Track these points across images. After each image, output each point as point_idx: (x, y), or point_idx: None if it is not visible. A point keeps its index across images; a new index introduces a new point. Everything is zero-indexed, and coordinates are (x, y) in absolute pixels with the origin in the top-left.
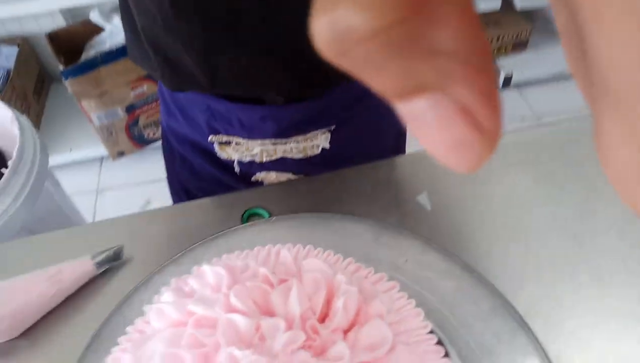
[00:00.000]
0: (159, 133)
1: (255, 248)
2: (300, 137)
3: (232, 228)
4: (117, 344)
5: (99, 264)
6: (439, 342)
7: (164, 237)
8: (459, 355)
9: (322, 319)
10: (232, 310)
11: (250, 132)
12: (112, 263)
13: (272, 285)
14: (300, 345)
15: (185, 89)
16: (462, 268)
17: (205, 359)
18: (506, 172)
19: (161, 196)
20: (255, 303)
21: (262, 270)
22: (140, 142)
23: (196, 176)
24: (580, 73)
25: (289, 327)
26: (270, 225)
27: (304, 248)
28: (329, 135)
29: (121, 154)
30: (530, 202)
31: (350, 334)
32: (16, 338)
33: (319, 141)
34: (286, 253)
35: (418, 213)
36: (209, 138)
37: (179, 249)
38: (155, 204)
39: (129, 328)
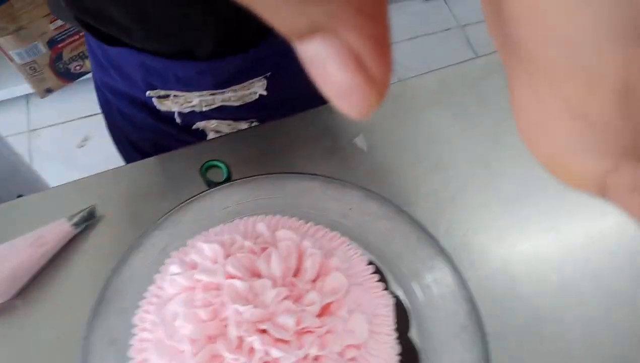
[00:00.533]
0: (86, 66)
1: (235, 222)
2: (237, 87)
3: (203, 193)
4: (122, 306)
5: (76, 224)
6: (379, 271)
7: (130, 194)
8: (394, 279)
9: (296, 275)
10: (230, 276)
11: (188, 86)
12: (87, 222)
13: (256, 254)
14: (284, 297)
15: (114, 43)
16: (395, 210)
17: (215, 314)
18: (429, 111)
19: (99, 132)
20: (246, 269)
21: (247, 243)
22: (68, 77)
23: (138, 128)
24: (497, 32)
25: (274, 284)
26: (235, 188)
27: (274, 216)
28: (265, 82)
29: (49, 91)
30: (449, 136)
31: (317, 284)
32: (11, 299)
33: (255, 89)
34: (262, 226)
35: (356, 155)
36: (147, 93)
37: (147, 205)
38: (94, 141)
39: (146, 294)
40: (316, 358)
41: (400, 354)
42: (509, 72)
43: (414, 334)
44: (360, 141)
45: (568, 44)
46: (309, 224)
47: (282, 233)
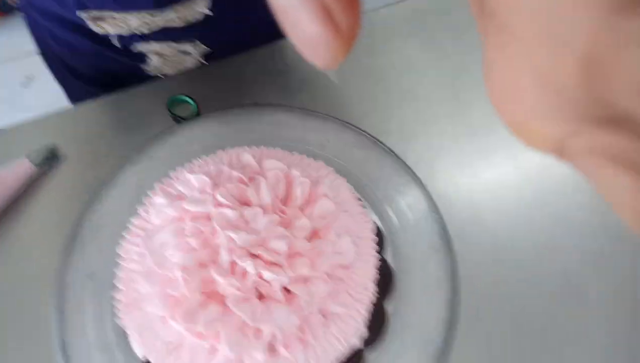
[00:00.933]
0: None
1: (218, 153)
2: (178, 6)
3: (177, 126)
4: (99, 241)
5: (39, 164)
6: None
7: (93, 132)
8: (370, 205)
9: (285, 203)
10: (219, 206)
11: (124, 5)
12: (50, 162)
13: (245, 184)
14: (276, 223)
15: None
16: (370, 141)
17: (206, 242)
18: (399, 42)
19: (44, 69)
20: (235, 198)
21: (235, 173)
22: (4, 9)
23: (75, 52)
24: (474, 1)
25: (265, 212)
26: (210, 121)
27: (258, 148)
28: (207, 0)
29: None
30: (420, 66)
31: (307, 210)
32: None
33: (199, 7)
34: (248, 156)
35: (328, 86)
36: (77, 13)
37: (112, 142)
38: (39, 80)
39: (130, 226)
40: (305, 279)
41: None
42: (484, 40)
43: (389, 256)
44: (332, 74)
45: (538, 13)
46: (294, 154)
47: (269, 163)
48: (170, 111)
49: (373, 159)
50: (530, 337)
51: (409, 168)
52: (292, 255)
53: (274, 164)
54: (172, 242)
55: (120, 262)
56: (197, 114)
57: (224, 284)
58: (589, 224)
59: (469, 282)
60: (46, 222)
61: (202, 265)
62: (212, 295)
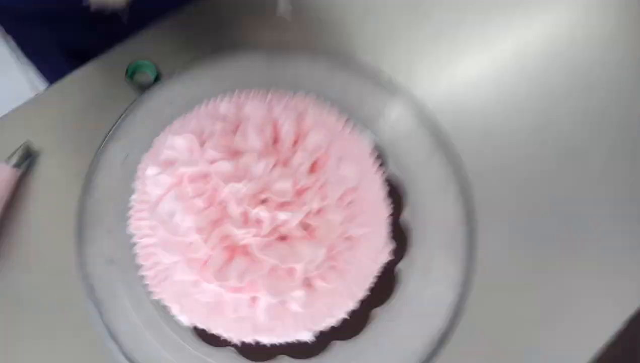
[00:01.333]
0: None
1: (194, 110)
2: None
3: (145, 94)
4: (106, 226)
5: (17, 165)
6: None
7: (60, 119)
8: (362, 124)
9: (276, 143)
10: (213, 160)
11: None
12: (28, 160)
13: (231, 133)
14: (273, 164)
15: None
16: (344, 63)
17: (212, 199)
18: None
19: None
20: (226, 150)
21: (218, 125)
22: None
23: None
24: None
25: (260, 156)
26: (177, 82)
27: (234, 95)
28: None
29: None
30: None
31: (299, 145)
32: None
33: None
34: (225, 105)
35: (285, 19)
36: None
37: (83, 125)
38: None
39: (132, 203)
40: (319, 211)
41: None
42: None
43: (392, 168)
44: (283, 4)
45: None
46: (270, 94)
47: (249, 109)
48: (131, 81)
49: (351, 80)
50: (542, 212)
51: (390, 81)
52: (299, 192)
53: (254, 108)
54: (178, 207)
55: (134, 240)
56: (157, 78)
57: (243, 234)
58: (567, 91)
59: (475, 174)
60: (45, 220)
61: (215, 222)
62: (235, 249)
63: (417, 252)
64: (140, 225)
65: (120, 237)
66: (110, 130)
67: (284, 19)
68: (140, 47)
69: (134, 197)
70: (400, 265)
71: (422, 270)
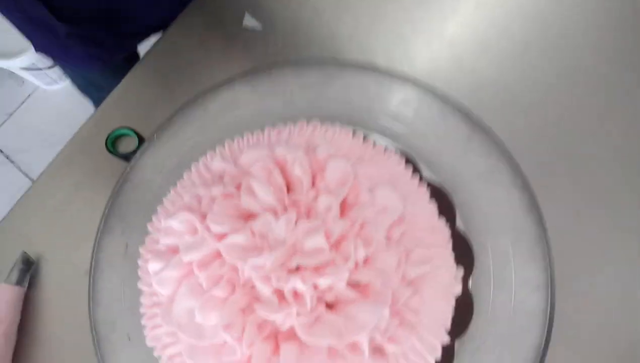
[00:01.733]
0: None
1: (184, 176)
2: None
3: (126, 171)
4: (113, 327)
5: (19, 282)
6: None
7: (52, 214)
8: (377, 131)
9: (289, 191)
10: (222, 235)
11: None
12: (28, 272)
13: (233, 196)
14: (295, 219)
15: None
16: (332, 64)
17: (233, 284)
18: None
19: None
20: (233, 218)
21: (215, 190)
22: None
23: None
24: None
25: (276, 214)
26: (158, 145)
27: (224, 148)
28: None
29: None
30: None
31: (320, 185)
32: None
33: None
34: (218, 161)
35: (251, 31)
36: None
37: (74, 216)
38: None
39: (142, 309)
40: (366, 260)
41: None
42: None
43: (425, 173)
44: (249, 20)
45: None
46: (266, 131)
47: (247, 158)
48: (113, 153)
49: (352, 84)
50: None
51: (391, 70)
52: (335, 244)
53: (253, 155)
54: (195, 304)
55: (155, 352)
56: (141, 141)
57: (283, 318)
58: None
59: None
60: (60, 331)
61: (245, 311)
62: (277, 336)
63: (485, 261)
64: (157, 334)
65: (143, 341)
66: (101, 221)
67: (253, 32)
68: (115, 113)
69: (142, 301)
70: (470, 282)
71: (497, 279)
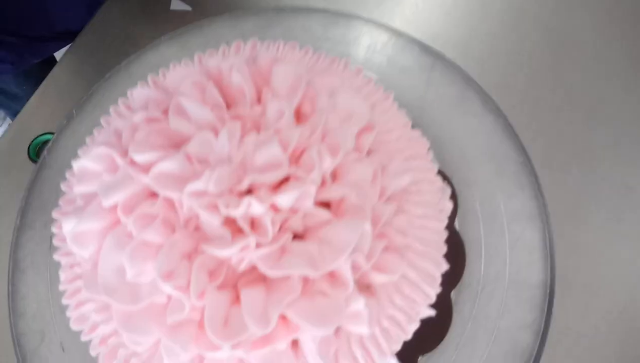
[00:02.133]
0: None
1: (103, 120)
2: None
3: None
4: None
5: None
6: None
7: None
8: None
9: (231, 106)
10: (148, 168)
11: None
12: None
13: (160, 120)
14: (240, 133)
15: None
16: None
17: (170, 221)
18: None
19: None
20: (162, 147)
21: (137, 117)
22: None
23: None
24: None
25: (215, 132)
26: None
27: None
28: None
29: None
30: None
31: (266, 97)
32: None
33: None
34: (141, 90)
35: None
36: None
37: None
38: None
39: (61, 287)
40: (335, 173)
41: None
42: None
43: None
44: (176, 3)
45: None
46: (194, 59)
47: (172, 75)
48: (35, 160)
49: (295, 25)
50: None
51: (334, 10)
52: (295, 156)
53: (180, 72)
54: (124, 257)
55: (84, 337)
56: None
57: (240, 254)
58: None
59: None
60: None
61: (190, 254)
62: (235, 279)
63: (470, 197)
64: (83, 313)
65: (81, 348)
66: (17, 216)
67: (183, 16)
68: (35, 120)
69: (61, 277)
70: (456, 223)
71: (485, 214)
